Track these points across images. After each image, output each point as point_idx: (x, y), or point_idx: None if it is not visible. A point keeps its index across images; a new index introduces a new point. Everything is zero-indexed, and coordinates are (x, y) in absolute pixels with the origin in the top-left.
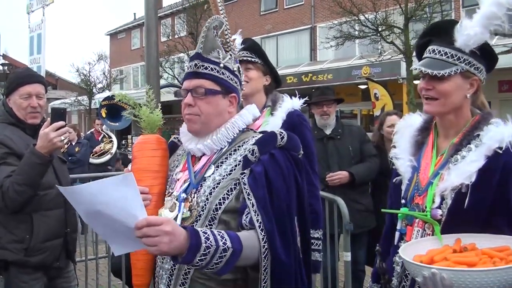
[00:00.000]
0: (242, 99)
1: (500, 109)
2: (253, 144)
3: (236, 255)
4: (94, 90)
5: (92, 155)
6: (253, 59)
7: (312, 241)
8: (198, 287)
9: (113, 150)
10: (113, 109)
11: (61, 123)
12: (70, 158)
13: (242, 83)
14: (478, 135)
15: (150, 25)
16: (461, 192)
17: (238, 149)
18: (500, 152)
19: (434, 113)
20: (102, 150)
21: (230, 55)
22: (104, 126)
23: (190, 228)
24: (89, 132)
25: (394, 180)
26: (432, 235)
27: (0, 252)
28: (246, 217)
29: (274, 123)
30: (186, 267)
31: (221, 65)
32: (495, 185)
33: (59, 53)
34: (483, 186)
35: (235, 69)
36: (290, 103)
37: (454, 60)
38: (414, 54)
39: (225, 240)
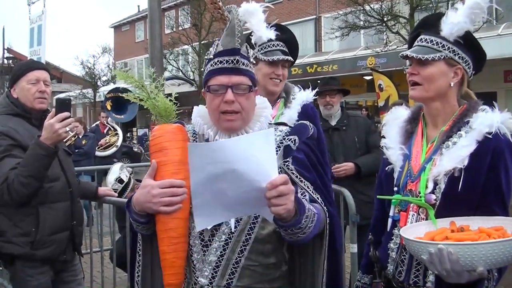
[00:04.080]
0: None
1: (506, 100)
2: (292, 135)
3: (318, 220)
4: (98, 83)
5: (98, 148)
6: (291, 59)
7: None
8: (248, 273)
9: (119, 143)
10: (118, 102)
11: (66, 114)
12: (77, 150)
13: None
14: (468, 121)
15: (154, 16)
16: (454, 176)
17: None
18: (490, 136)
19: (418, 98)
20: (107, 143)
21: (246, 47)
22: (109, 119)
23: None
24: (94, 125)
25: (386, 168)
26: (426, 219)
27: (6, 246)
28: (303, 196)
29: (290, 115)
30: (236, 255)
31: (251, 60)
32: (486, 168)
33: (63, 46)
34: (475, 170)
35: (253, 62)
36: (304, 95)
37: (439, 47)
38: None
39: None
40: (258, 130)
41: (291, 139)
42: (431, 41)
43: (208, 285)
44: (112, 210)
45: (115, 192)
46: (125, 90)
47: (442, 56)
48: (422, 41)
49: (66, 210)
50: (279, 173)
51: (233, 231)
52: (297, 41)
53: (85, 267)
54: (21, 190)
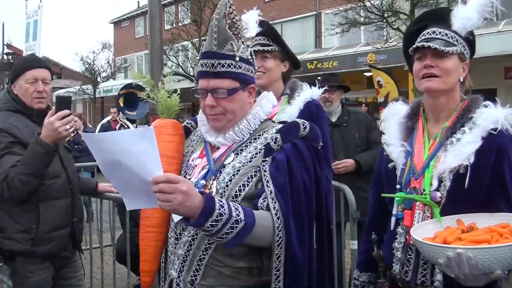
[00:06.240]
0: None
1: (506, 96)
2: (276, 133)
3: (248, 229)
4: (98, 79)
5: None
6: (270, 48)
7: None
8: (213, 273)
9: None
10: (130, 99)
11: (66, 111)
12: (76, 146)
13: (256, 69)
14: (471, 117)
15: (153, 12)
16: (459, 173)
17: (258, 138)
18: (495, 133)
19: (436, 90)
20: None
21: (242, 42)
22: (120, 115)
23: (206, 194)
24: (105, 121)
25: (389, 166)
26: (431, 217)
27: (7, 242)
28: (264, 201)
29: (290, 112)
30: (201, 252)
31: (237, 58)
32: (491, 165)
33: (63, 42)
34: (481, 167)
35: (249, 57)
36: (309, 93)
37: (454, 41)
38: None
39: (239, 212)
40: (244, 128)
41: (273, 137)
42: (446, 34)
43: (177, 278)
44: (111, 206)
45: None
46: (138, 87)
47: (457, 50)
48: (436, 34)
49: (66, 207)
50: (254, 173)
51: (176, 223)
52: (273, 29)
53: (85, 263)
54: (21, 187)
